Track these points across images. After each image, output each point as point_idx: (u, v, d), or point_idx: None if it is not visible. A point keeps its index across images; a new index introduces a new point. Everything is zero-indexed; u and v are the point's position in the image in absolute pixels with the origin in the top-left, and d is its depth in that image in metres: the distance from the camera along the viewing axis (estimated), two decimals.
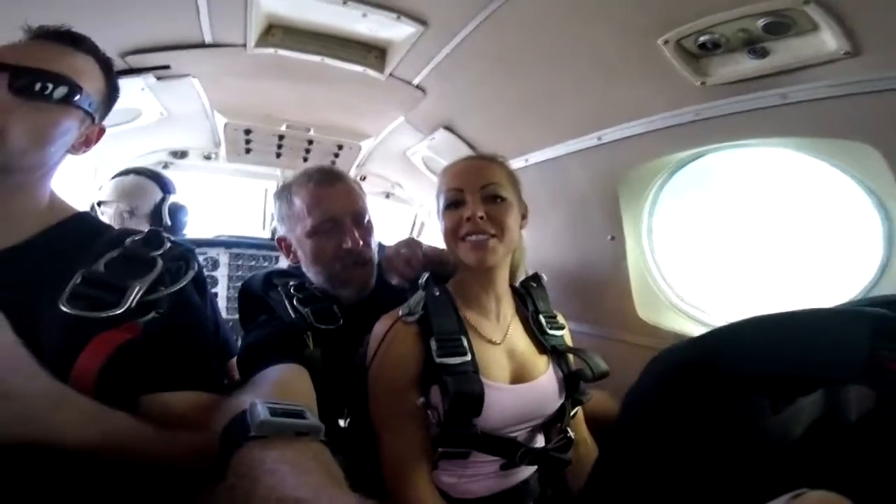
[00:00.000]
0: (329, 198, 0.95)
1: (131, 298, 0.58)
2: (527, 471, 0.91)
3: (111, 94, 0.71)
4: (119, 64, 1.14)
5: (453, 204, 0.87)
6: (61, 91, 0.60)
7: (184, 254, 0.69)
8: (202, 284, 0.74)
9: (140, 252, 0.64)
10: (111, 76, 0.71)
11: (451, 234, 0.87)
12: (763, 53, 0.88)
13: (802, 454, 0.55)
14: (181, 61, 1.21)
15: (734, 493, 0.54)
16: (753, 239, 1.34)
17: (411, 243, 1.05)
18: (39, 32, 0.64)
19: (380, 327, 0.85)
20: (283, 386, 0.68)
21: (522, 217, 0.94)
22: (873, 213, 0.97)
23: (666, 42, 0.95)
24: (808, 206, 1.21)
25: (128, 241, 0.65)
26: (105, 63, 0.69)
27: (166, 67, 1.21)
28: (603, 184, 1.42)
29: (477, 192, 0.85)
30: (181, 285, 0.65)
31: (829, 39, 0.78)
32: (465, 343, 0.83)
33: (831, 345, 0.55)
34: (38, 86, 0.59)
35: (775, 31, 0.83)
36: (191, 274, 0.67)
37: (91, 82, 0.65)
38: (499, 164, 0.93)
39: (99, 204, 1.50)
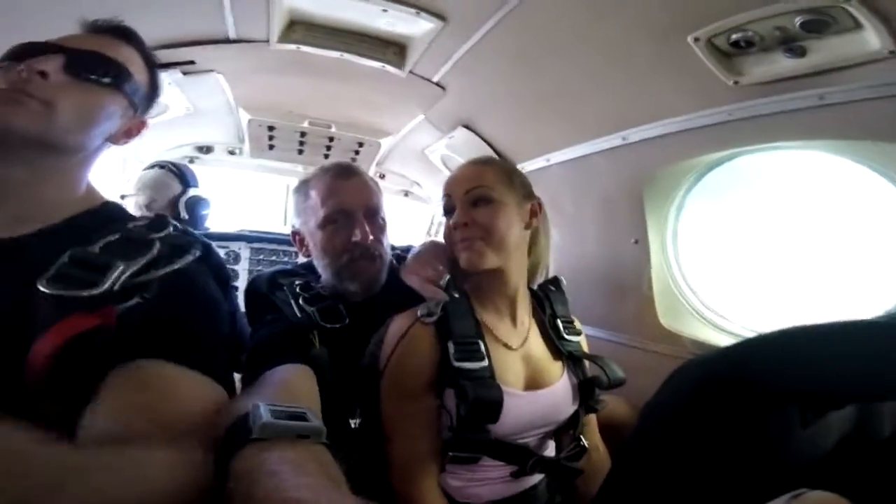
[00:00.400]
0: (343, 190, 0.95)
1: (112, 279, 0.53)
2: (535, 476, 0.89)
3: (153, 90, 0.74)
4: None
5: (446, 211, 0.90)
6: (110, 75, 0.63)
7: (187, 239, 0.66)
8: (224, 277, 0.73)
9: (138, 234, 0.62)
10: (154, 73, 0.73)
11: (447, 239, 0.90)
12: (801, 52, 0.83)
13: (831, 470, 0.51)
14: (206, 57, 1.23)
15: None
16: (785, 246, 1.27)
17: (437, 245, 1.04)
18: (94, 26, 0.68)
19: (396, 327, 0.84)
20: (286, 387, 0.67)
21: (531, 215, 0.91)
22: None
23: (696, 40, 0.91)
24: (843, 212, 1.15)
25: (130, 224, 0.64)
26: (150, 59, 0.72)
27: (192, 63, 1.23)
28: (628, 185, 1.37)
29: (463, 198, 0.87)
30: (175, 267, 0.60)
31: (871, 38, 0.74)
32: (483, 348, 0.81)
33: (871, 359, 0.52)
34: (89, 68, 0.62)
35: (814, 30, 0.79)
36: (189, 258, 0.62)
37: (137, 74, 0.68)
38: (492, 166, 0.91)
39: (122, 197, 1.56)
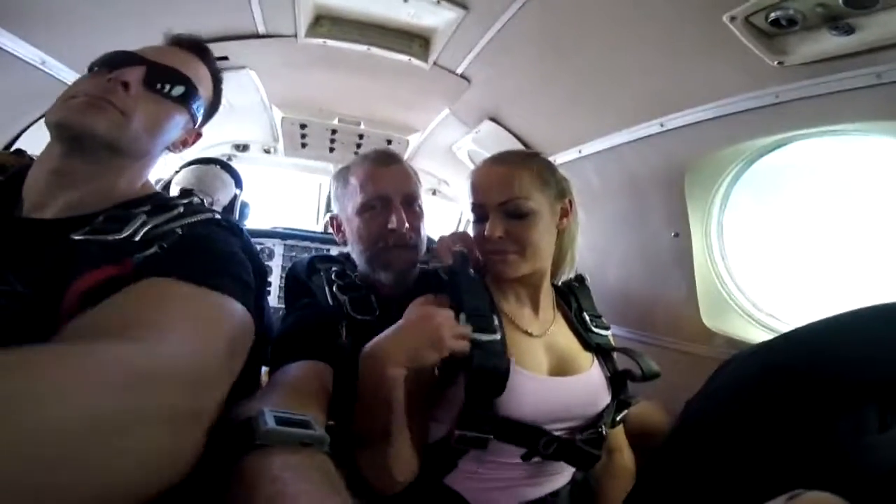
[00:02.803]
0: (382, 176, 0.95)
1: (133, 228, 0.59)
2: (557, 482, 0.84)
3: (214, 105, 0.80)
4: None
5: (476, 219, 0.86)
6: (181, 91, 0.70)
7: (208, 209, 0.70)
8: (259, 266, 0.72)
9: (166, 201, 0.68)
10: (218, 89, 0.80)
11: (478, 246, 0.87)
12: (848, 30, 0.77)
13: None
14: (237, 52, 1.27)
15: None
16: (843, 239, 1.14)
17: (466, 235, 1.01)
18: (175, 39, 0.75)
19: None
20: (296, 388, 0.67)
21: (564, 215, 0.87)
22: None
23: (733, 19, 0.84)
24: None
25: (160, 196, 0.70)
26: (217, 76, 0.79)
27: (225, 59, 1.28)
28: (666, 175, 1.29)
29: (498, 209, 0.82)
30: (194, 220, 0.64)
31: None
32: (496, 322, 0.78)
33: None
34: (164, 82, 0.68)
35: (858, 6, 0.74)
36: (208, 215, 0.67)
37: (204, 91, 0.75)
38: (526, 168, 0.84)
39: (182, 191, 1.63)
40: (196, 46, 0.75)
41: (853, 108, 0.88)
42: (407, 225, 0.93)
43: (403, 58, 1.34)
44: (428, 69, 1.38)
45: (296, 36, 1.25)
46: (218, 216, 0.69)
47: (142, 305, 0.48)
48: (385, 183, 0.94)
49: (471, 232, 0.90)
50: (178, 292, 0.51)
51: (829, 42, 0.81)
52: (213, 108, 0.80)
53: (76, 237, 0.57)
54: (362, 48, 1.31)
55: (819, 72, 0.86)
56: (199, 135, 0.78)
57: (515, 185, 0.81)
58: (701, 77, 1.04)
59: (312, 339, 0.79)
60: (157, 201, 0.67)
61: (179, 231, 0.62)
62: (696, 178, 1.24)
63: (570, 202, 0.88)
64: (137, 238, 0.59)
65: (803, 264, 1.24)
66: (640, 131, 1.26)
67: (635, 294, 1.47)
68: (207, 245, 0.62)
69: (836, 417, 0.46)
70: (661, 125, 1.21)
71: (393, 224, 0.92)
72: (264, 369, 0.93)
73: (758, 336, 1.20)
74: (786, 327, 1.16)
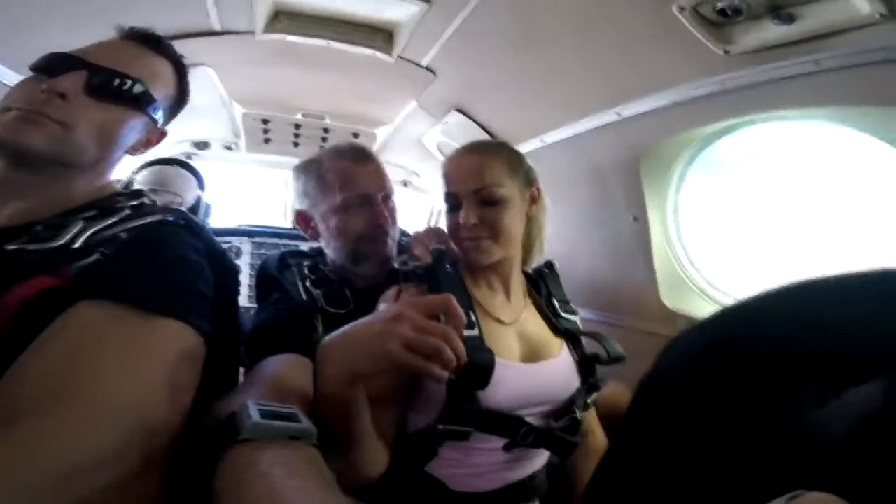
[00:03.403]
0: (362, 175, 0.96)
1: (71, 234, 0.54)
2: (534, 464, 0.88)
3: (180, 100, 0.74)
4: None
5: (450, 208, 0.88)
6: (132, 95, 0.63)
7: (159, 208, 0.65)
8: (227, 265, 0.69)
9: (113, 203, 0.62)
10: (184, 82, 0.73)
11: (451, 235, 0.89)
12: (789, 19, 0.81)
13: (846, 461, 0.43)
14: (193, 50, 1.21)
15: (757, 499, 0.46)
16: (791, 218, 1.24)
17: (441, 231, 1.03)
18: (127, 33, 0.68)
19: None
20: (277, 382, 0.65)
21: (532, 202, 0.90)
22: None
23: (682, 9, 0.88)
24: (848, 182, 1.12)
25: (112, 199, 0.64)
26: (180, 69, 0.72)
27: (181, 57, 1.23)
28: (624, 161, 1.35)
29: (471, 196, 0.84)
30: (140, 223, 0.59)
31: (861, 3, 0.71)
32: (473, 318, 0.80)
33: None
34: (111, 87, 0.61)
35: None
36: (158, 216, 0.61)
37: (163, 88, 0.68)
38: (498, 156, 0.88)
39: (149, 192, 1.57)
40: (150, 39, 0.69)
41: (794, 94, 0.94)
42: (391, 221, 0.97)
43: (367, 51, 1.33)
44: (393, 62, 1.37)
45: (253, 32, 1.22)
46: (171, 216, 0.63)
47: (67, 364, 0.43)
48: (366, 182, 0.96)
49: (443, 223, 0.92)
50: (112, 334, 0.46)
51: (771, 31, 0.85)
52: (179, 103, 0.74)
53: (10, 247, 0.52)
54: (322, 43, 1.29)
55: (763, 59, 0.90)
56: (163, 133, 0.73)
57: (487, 173, 0.84)
58: (654, 66, 1.09)
59: (289, 333, 0.78)
60: (105, 204, 0.61)
61: (124, 236, 0.57)
62: (651, 163, 1.31)
63: (538, 190, 0.92)
64: (77, 245, 0.54)
65: (752, 243, 1.33)
66: (599, 120, 1.31)
67: (600, 278, 1.53)
68: (155, 252, 0.56)
69: (777, 391, 0.46)
70: (618, 114, 1.26)
71: (379, 221, 0.95)
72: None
73: None
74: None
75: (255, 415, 0.46)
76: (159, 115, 0.69)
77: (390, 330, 0.56)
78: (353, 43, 1.30)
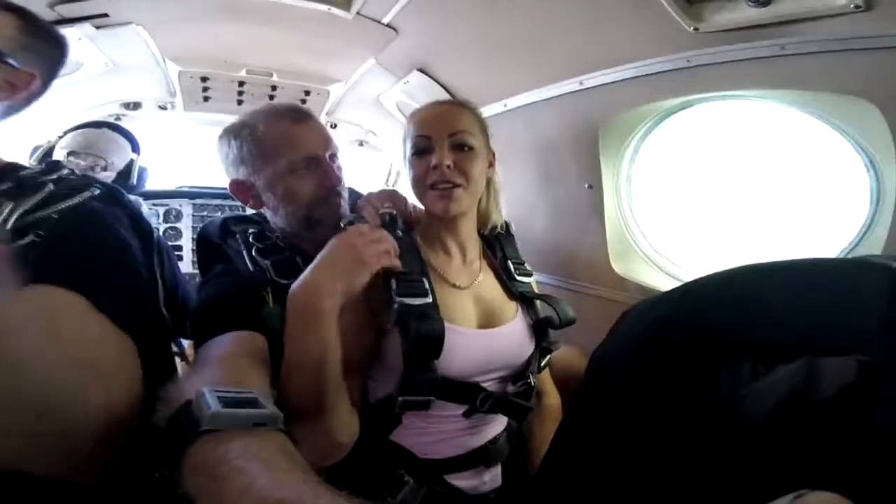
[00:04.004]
0: (306, 135, 0.90)
1: (3, 215, 0.54)
2: (495, 429, 0.91)
3: (36, 38, 0.67)
4: (49, 14, 1.02)
5: (421, 151, 0.85)
6: None
7: (84, 181, 0.66)
8: (144, 227, 0.69)
9: (30, 179, 0.61)
10: (29, 22, 0.67)
11: (419, 181, 0.85)
12: (764, 2, 0.84)
13: (773, 435, 0.49)
14: (120, 7, 1.07)
15: (703, 473, 0.50)
16: (738, 194, 1.33)
17: (395, 194, 1.02)
18: None
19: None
20: (231, 363, 0.62)
21: (490, 165, 0.91)
22: (862, 171, 0.97)
23: None
24: (796, 163, 1.21)
25: (23, 171, 0.63)
26: (15, 10, 0.66)
27: (104, 16, 1.07)
28: (583, 131, 1.38)
29: (445, 140, 0.83)
30: (71, 203, 0.60)
31: None
32: (427, 285, 0.81)
33: (839, 305, 0.48)
34: None
35: None
36: (87, 194, 0.63)
37: None
38: (470, 110, 0.90)
39: (70, 154, 1.43)
40: None
41: (757, 76, 0.96)
42: (342, 180, 0.94)
43: (322, 7, 1.23)
44: (351, 19, 1.28)
45: None
46: (96, 188, 0.64)
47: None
48: (310, 142, 0.91)
49: (402, 185, 0.92)
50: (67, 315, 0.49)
51: (743, 12, 0.87)
52: (32, 46, 0.68)
53: None
54: None
55: (730, 39, 0.92)
56: (30, 76, 0.67)
57: (462, 120, 0.86)
58: (621, 38, 1.09)
59: (238, 308, 0.75)
60: (18, 179, 0.59)
61: (55, 217, 0.57)
62: (609, 133, 1.34)
63: (494, 155, 0.93)
64: (8, 226, 0.54)
65: (702, 215, 1.42)
66: (562, 88, 1.32)
67: (555, 242, 1.59)
68: (90, 239, 0.58)
69: (717, 367, 0.51)
70: (581, 83, 1.27)
71: (331, 181, 0.91)
72: (186, 343, 0.90)
73: (660, 281, 1.36)
74: (680, 271, 1.35)
75: (213, 404, 0.43)
76: (3, 57, 0.63)
77: (362, 244, 0.72)
78: None
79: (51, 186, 0.60)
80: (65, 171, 0.65)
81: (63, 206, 0.58)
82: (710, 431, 0.51)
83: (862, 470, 0.42)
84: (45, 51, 0.69)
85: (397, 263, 0.77)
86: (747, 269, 0.56)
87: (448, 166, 0.81)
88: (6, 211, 0.54)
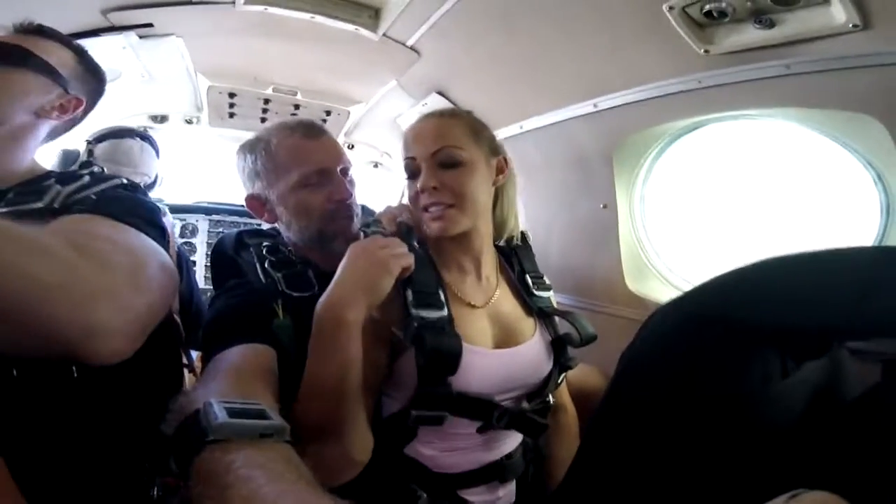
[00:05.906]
0: (317, 150, 0.91)
1: (51, 196, 0.64)
2: (510, 444, 0.88)
3: (86, 72, 0.79)
4: (100, 21, 1.08)
5: (411, 174, 0.83)
6: (14, 58, 0.69)
7: (112, 175, 0.76)
8: (182, 256, 0.77)
9: (70, 173, 0.72)
10: (84, 57, 0.79)
11: (413, 205, 0.84)
12: (770, 24, 0.87)
13: (804, 434, 0.48)
14: (165, 19, 1.14)
15: (736, 472, 0.49)
16: (749, 211, 1.35)
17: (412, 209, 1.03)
18: (16, 28, 0.74)
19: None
20: (239, 375, 0.63)
21: (498, 172, 0.87)
22: (871, 187, 0.98)
23: (671, 8, 0.93)
24: (806, 181, 1.22)
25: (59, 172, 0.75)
26: (73, 46, 0.78)
27: (149, 26, 1.14)
28: (598, 151, 1.42)
29: (430, 160, 0.80)
30: (106, 185, 0.70)
31: (838, 12, 0.77)
32: (442, 298, 0.78)
33: (860, 291, 0.48)
34: None
35: (784, 2, 0.83)
36: (116, 181, 0.73)
37: (54, 57, 0.73)
38: (457, 118, 0.84)
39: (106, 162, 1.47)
40: (34, 29, 0.75)
41: (764, 95, 0.98)
42: (352, 195, 0.94)
43: (350, 27, 1.30)
44: (377, 40, 1.35)
45: (233, 2, 1.14)
46: (124, 179, 0.75)
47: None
48: (322, 156, 0.91)
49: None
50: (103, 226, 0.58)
51: (751, 34, 0.89)
52: (86, 75, 0.79)
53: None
54: (306, 17, 1.24)
55: (738, 61, 0.95)
56: (79, 101, 0.77)
57: (446, 135, 0.80)
58: (634, 61, 1.13)
59: (248, 321, 0.75)
60: (60, 174, 0.71)
61: (94, 197, 0.67)
62: (623, 154, 1.38)
63: (505, 160, 0.88)
64: (57, 205, 0.64)
65: (714, 232, 1.44)
66: (577, 110, 1.36)
67: (571, 261, 1.60)
68: (123, 200, 0.69)
69: (749, 360, 0.50)
70: (595, 105, 1.31)
71: (340, 196, 0.91)
72: (195, 355, 0.92)
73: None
74: None
75: (220, 413, 0.44)
76: (61, 78, 0.73)
77: (381, 252, 0.71)
78: (338, 18, 1.26)
79: (87, 178, 0.70)
80: (96, 168, 0.77)
81: (98, 188, 0.69)
82: (744, 427, 0.50)
83: (887, 470, 0.42)
84: (91, 83, 0.80)
85: (412, 261, 0.75)
86: (769, 260, 0.56)
87: (434, 188, 0.79)
88: (54, 192, 0.65)
